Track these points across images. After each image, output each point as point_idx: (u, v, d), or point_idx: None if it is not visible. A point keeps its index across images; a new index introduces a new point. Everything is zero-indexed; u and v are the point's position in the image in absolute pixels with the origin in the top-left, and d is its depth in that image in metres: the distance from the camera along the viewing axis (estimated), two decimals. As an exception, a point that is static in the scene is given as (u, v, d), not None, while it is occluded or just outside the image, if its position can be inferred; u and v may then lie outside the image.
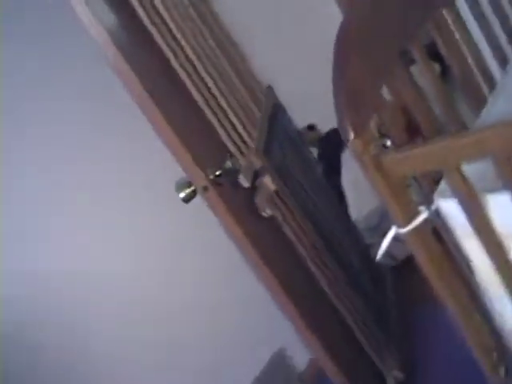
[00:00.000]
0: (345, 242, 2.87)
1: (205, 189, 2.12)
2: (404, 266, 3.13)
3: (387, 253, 3.11)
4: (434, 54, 1.79)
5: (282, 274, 2.28)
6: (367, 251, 3.16)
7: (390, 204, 1.45)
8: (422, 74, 1.67)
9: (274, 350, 3.18)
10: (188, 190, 2.16)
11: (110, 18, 2.04)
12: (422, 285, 1.57)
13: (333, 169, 3.44)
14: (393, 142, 1.45)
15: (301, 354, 3.11)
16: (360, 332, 2.54)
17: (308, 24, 3.28)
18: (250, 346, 3.11)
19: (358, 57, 1.43)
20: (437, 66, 2.25)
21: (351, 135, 1.39)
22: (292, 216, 2.45)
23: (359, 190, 3.24)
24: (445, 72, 2.23)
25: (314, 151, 3.57)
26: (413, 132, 1.76)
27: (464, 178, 1.34)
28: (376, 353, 2.57)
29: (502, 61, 1.89)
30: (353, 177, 3.30)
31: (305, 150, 3.17)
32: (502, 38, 1.95)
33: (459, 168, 1.33)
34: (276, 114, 2.82)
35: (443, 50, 1.71)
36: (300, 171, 2.79)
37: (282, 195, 2.43)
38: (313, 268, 2.46)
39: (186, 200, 2.17)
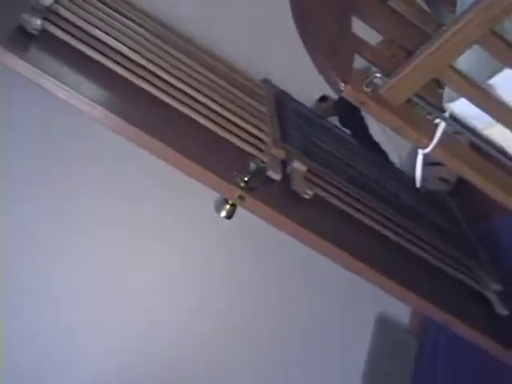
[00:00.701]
0: (397, 189, 2.85)
1: (241, 198, 2.13)
2: (460, 187, 3.12)
3: (439, 179, 3.11)
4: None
5: (353, 246, 2.27)
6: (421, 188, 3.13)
7: (405, 131, 1.45)
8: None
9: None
10: (227, 207, 2.18)
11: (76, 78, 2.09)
12: (484, 198, 1.57)
13: (358, 127, 3.42)
14: (383, 72, 1.43)
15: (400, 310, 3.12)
16: (445, 265, 2.52)
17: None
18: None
19: (316, 4, 1.43)
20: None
21: (341, 85, 1.40)
22: (334, 186, 2.44)
23: (390, 135, 3.22)
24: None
25: (335, 120, 3.57)
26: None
27: (461, 76, 1.34)
28: (468, 276, 2.54)
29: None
30: (376, 127, 3.29)
31: (324, 123, 3.16)
32: None
33: (452, 68, 1.33)
34: (281, 101, 2.83)
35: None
36: (327, 143, 2.78)
37: (316, 171, 2.43)
38: (376, 226, 2.45)
39: (229, 216, 2.19)
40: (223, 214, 2.19)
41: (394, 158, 3.30)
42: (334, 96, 3.53)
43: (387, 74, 1.38)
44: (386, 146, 3.29)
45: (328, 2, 1.48)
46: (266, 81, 2.98)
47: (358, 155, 2.94)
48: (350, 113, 3.44)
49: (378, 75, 1.40)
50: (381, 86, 1.39)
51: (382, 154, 3.31)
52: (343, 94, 1.40)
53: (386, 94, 1.38)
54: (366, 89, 1.41)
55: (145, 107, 2.22)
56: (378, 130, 3.35)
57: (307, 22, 1.44)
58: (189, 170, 2.12)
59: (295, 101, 3.05)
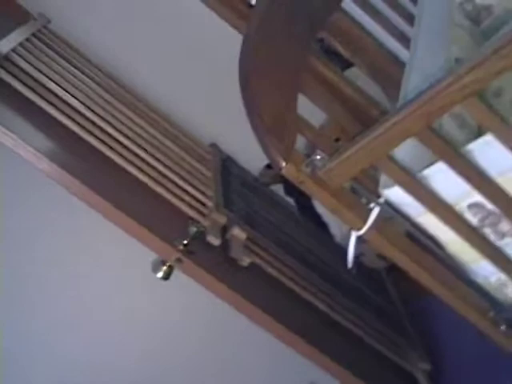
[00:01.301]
0: (334, 263, 2.89)
1: (179, 261, 2.16)
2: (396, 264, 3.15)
3: (377, 256, 3.15)
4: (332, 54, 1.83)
5: (282, 315, 2.29)
6: (358, 263, 3.18)
7: (340, 212, 1.48)
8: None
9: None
10: (164, 268, 2.20)
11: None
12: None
13: (301, 198, 3.46)
14: (325, 153, 1.47)
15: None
16: (375, 341, 2.55)
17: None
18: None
19: (263, 81, 1.47)
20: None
21: (282, 163, 1.43)
22: (271, 255, 2.47)
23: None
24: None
25: (280, 188, 3.61)
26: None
27: (397, 165, 1.38)
28: (397, 355, 2.57)
29: (406, 42, 1.92)
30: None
31: (268, 191, 3.20)
32: (400, 22, 1.99)
33: (389, 157, 1.37)
34: (227, 167, 2.87)
35: (344, 52, 1.75)
36: (269, 212, 2.82)
37: (255, 240, 2.46)
38: (308, 297, 2.47)
39: (165, 277, 2.21)
40: (160, 274, 2.21)
41: (334, 231, 3.34)
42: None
43: (327, 156, 1.42)
44: (327, 218, 3.33)
45: (275, 79, 1.52)
46: (213, 145, 3.02)
47: (299, 226, 2.97)
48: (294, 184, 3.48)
49: (318, 157, 1.43)
50: (319, 168, 1.42)
51: (323, 226, 3.35)
52: (282, 172, 1.44)
53: (324, 176, 1.42)
54: (305, 169, 1.44)
55: (91, 161, 2.24)
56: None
57: (254, 96, 1.48)
58: (126, 227, 2.13)
59: (240, 167, 3.09)
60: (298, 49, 1.63)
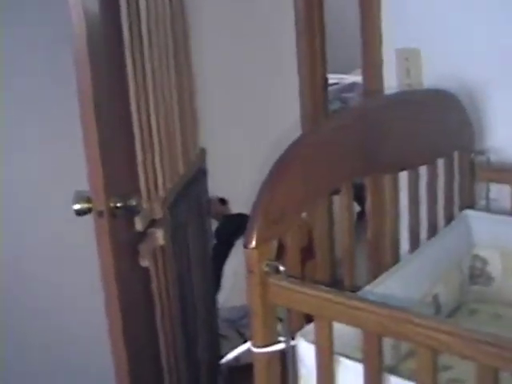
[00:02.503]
0: (201, 323, 2.87)
1: (99, 214, 2.11)
2: (242, 370, 3.15)
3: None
4: (358, 196, 1.85)
5: (129, 317, 2.25)
6: (217, 340, 3.17)
7: (256, 322, 1.48)
8: (341, 207, 1.71)
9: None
10: (85, 206, 2.14)
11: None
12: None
13: (222, 248, 3.46)
14: (286, 268, 1.48)
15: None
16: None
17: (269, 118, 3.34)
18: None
19: (294, 180, 1.47)
20: (356, 206, 2.32)
21: (252, 244, 1.42)
22: (165, 276, 2.45)
23: (235, 282, 3.27)
24: (361, 217, 2.31)
25: (215, 224, 3.60)
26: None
27: (330, 335, 1.38)
28: None
29: (414, 244, 1.96)
30: (235, 266, 3.33)
31: (206, 220, 3.18)
32: (423, 225, 2.02)
33: (331, 325, 1.37)
34: (197, 178, 2.85)
35: (368, 206, 1.76)
36: (193, 238, 2.80)
37: (166, 253, 2.43)
38: (159, 328, 2.45)
39: (79, 213, 2.15)
40: (77, 207, 2.15)
41: (221, 296, 3.34)
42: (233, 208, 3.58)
43: (288, 275, 1.42)
44: (225, 283, 3.33)
45: (305, 184, 1.53)
46: (202, 151, 3.03)
47: (203, 272, 2.95)
48: (228, 232, 3.49)
49: (282, 268, 1.43)
50: (273, 278, 1.43)
51: (216, 284, 3.35)
52: (245, 250, 1.43)
53: (271, 286, 1.42)
54: (264, 265, 1.44)
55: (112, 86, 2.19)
56: (232, 266, 3.40)
57: (281, 178, 1.48)
58: (90, 148, 2.04)
59: (205, 186, 3.06)
60: (342, 173, 1.65)
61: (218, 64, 3.34)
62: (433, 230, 1.98)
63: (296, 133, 2.02)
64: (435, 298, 1.84)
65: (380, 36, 2.21)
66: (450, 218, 2.02)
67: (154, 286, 2.40)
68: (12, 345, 2.95)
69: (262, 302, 1.45)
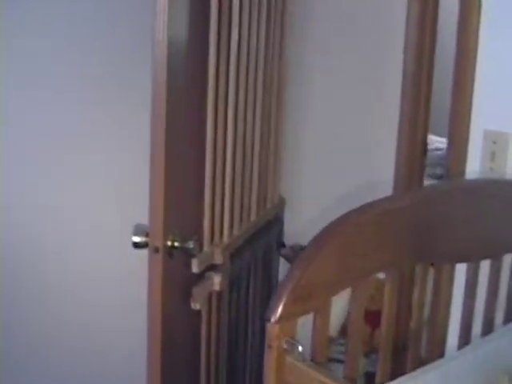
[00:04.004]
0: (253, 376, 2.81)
1: (155, 250, 2.09)
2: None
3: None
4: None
5: (170, 358, 2.22)
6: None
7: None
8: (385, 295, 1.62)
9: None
10: (143, 239, 2.13)
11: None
12: None
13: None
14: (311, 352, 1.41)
15: None
16: None
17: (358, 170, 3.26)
18: None
19: (328, 260, 1.40)
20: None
21: (275, 318, 1.36)
22: (217, 322, 2.40)
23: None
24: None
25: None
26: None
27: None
28: None
29: (463, 340, 1.85)
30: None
31: (274, 269, 3.11)
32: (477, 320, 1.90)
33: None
34: (269, 226, 2.80)
35: (415, 295, 1.67)
36: (255, 287, 2.75)
37: (222, 300, 2.39)
38: (202, 376, 2.41)
39: (137, 246, 2.15)
40: (136, 239, 2.14)
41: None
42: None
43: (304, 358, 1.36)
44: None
45: (343, 264, 1.45)
46: (281, 199, 2.97)
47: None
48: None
49: (300, 348, 1.37)
50: (291, 357, 1.36)
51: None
52: (267, 324, 1.38)
53: (287, 364, 1.36)
54: (283, 341, 1.38)
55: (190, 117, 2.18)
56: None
57: (319, 255, 1.41)
58: (156, 183, 2.04)
59: (280, 232, 3.01)
60: (386, 258, 1.56)
61: (313, 113, 3.28)
62: (488, 328, 1.86)
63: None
64: (475, 406, 1.72)
65: (469, 113, 2.11)
66: (509, 319, 1.90)
67: (203, 331, 2.36)
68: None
69: (276, 378, 1.38)
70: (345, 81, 3.22)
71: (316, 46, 3.19)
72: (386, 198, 1.53)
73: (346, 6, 3.11)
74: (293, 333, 1.38)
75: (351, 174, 3.22)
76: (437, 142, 4.38)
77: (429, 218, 1.59)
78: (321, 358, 1.43)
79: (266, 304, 2.80)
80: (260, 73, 2.55)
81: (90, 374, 3.06)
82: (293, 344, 1.37)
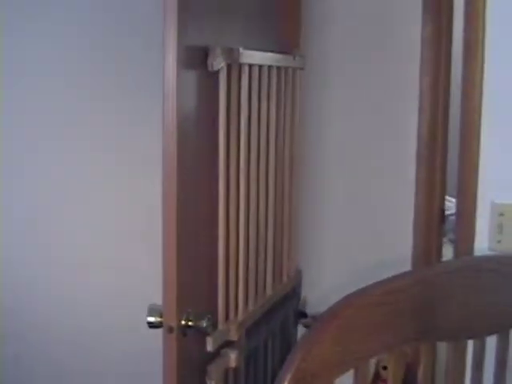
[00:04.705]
0: None
1: (169, 329, 2.11)
2: None
3: None
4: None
5: None
6: None
7: None
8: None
9: None
10: (158, 319, 2.16)
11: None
12: None
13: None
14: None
15: None
16: None
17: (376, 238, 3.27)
18: None
19: (330, 343, 1.42)
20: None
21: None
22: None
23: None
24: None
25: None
26: None
27: None
28: None
29: None
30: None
31: (292, 343, 3.11)
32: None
33: None
34: (286, 300, 2.81)
35: (420, 374, 1.67)
36: (273, 362, 2.75)
37: (238, 376, 2.40)
38: None
39: (151, 326, 2.17)
40: (151, 319, 2.17)
41: None
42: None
43: None
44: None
45: (342, 352, 1.47)
46: (298, 272, 3.00)
47: None
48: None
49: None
50: None
51: None
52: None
53: None
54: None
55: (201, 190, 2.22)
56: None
57: (317, 342, 1.43)
58: (169, 258, 2.07)
59: (296, 304, 3.02)
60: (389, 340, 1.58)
61: (329, 182, 3.30)
62: (500, 405, 1.86)
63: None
64: None
65: (476, 185, 2.14)
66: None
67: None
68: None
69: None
70: (360, 147, 3.25)
71: (332, 110, 3.22)
72: (388, 279, 1.55)
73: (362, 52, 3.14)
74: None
75: (370, 244, 3.22)
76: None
77: (431, 297, 1.60)
78: None
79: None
80: (272, 145, 2.60)
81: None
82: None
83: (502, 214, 2.11)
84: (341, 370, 1.47)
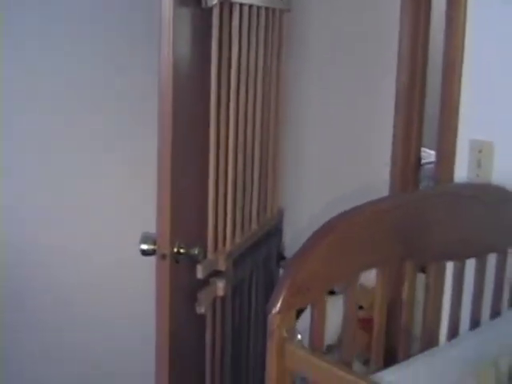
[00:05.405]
0: (255, 378, 2.92)
1: (162, 256, 2.21)
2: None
3: None
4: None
5: (177, 361, 2.32)
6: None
7: (270, 382, 1.54)
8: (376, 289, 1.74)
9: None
10: (151, 247, 2.25)
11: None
12: None
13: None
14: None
15: None
16: None
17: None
18: None
19: (322, 257, 1.53)
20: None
21: (276, 309, 1.49)
22: (221, 326, 2.52)
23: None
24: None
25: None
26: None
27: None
28: None
29: (452, 336, 1.96)
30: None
31: (275, 279, 3.23)
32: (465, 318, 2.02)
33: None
34: (269, 236, 2.92)
35: (404, 293, 1.79)
36: (257, 293, 2.87)
37: (225, 304, 2.51)
38: (207, 378, 2.52)
39: (144, 253, 2.26)
40: (144, 247, 2.26)
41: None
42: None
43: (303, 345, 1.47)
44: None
45: (338, 261, 1.58)
46: (280, 211, 3.13)
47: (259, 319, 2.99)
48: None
49: (299, 336, 1.49)
50: (291, 344, 1.48)
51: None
52: (269, 314, 1.50)
53: (287, 351, 1.48)
54: (282, 329, 1.50)
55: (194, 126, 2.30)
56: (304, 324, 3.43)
57: (313, 249, 1.54)
58: (163, 189, 2.14)
59: (279, 245, 3.13)
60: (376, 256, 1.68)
61: (311, 126, 3.40)
62: (475, 324, 1.98)
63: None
64: (463, 393, 1.83)
65: (456, 124, 2.24)
66: (495, 315, 2.02)
67: (207, 334, 2.48)
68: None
69: (277, 365, 1.50)
70: (341, 94, 3.34)
71: (313, 59, 3.31)
72: (377, 200, 1.66)
73: (342, 22, 3.23)
74: (291, 323, 1.51)
75: (348, 186, 3.31)
76: (431, 156, 4.49)
77: (416, 219, 1.71)
78: (318, 346, 1.56)
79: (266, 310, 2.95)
80: (259, 87, 2.69)
81: (100, 371, 3.17)
82: (292, 332, 1.49)
83: (480, 151, 2.22)
84: (332, 282, 1.59)
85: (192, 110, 2.25)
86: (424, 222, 1.73)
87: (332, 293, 2.60)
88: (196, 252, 2.27)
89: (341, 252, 1.56)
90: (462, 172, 2.26)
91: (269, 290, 3.08)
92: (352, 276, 1.61)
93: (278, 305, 1.49)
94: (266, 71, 2.77)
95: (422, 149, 3.18)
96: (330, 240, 1.54)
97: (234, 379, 2.70)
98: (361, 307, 3.06)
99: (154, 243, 2.23)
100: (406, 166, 3.01)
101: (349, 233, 1.59)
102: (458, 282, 1.90)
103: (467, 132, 2.26)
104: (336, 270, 1.56)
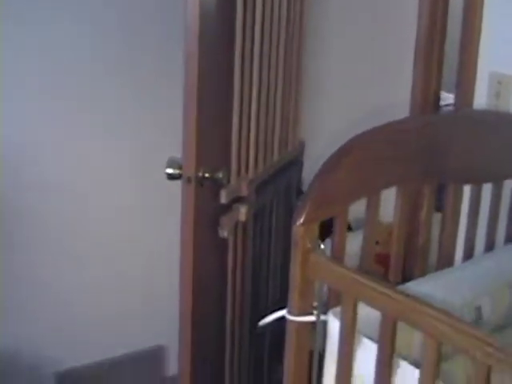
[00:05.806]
0: (273, 302, 3.01)
1: (188, 180, 2.28)
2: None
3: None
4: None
5: (200, 281, 2.41)
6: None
7: (294, 291, 1.62)
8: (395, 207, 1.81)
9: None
10: (177, 171, 2.32)
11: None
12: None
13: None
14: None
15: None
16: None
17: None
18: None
19: (344, 174, 1.60)
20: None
21: (300, 221, 1.57)
22: (242, 250, 2.61)
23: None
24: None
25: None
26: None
27: (354, 313, 1.51)
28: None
29: (467, 257, 2.04)
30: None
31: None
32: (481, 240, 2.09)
33: (355, 303, 1.50)
34: (290, 167, 3.00)
35: (423, 213, 1.86)
36: (277, 222, 2.95)
37: (246, 230, 2.59)
38: (228, 301, 2.61)
39: (170, 177, 2.33)
40: (170, 171, 2.33)
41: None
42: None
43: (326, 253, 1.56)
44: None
45: (362, 175, 1.65)
46: (301, 143, 3.20)
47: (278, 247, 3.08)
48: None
49: (322, 246, 1.57)
50: (315, 254, 1.56)
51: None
52: (293, 226, 1.58)
53: (312, 261, 1.56)
54: (307, 240, 1.58)
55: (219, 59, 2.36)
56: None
57: (340, 164, 1.62)
58: (190, 118, 2.19)
59: (299, 178, 3.20)
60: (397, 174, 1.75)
61: (331, 60, 3.45)
62: (490, 247, 2.06)
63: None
64: (478, 309, 1.90)
65: (476, 57, 2.29)
66: (509, 239, 2.09)
67: (229, 257, 2.56)
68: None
69: (301, 274, 1.59)
70: (360, 32, 3.38)
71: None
72: (399, 120, 1.73)
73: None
74: (315, 234, 1.59)
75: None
76: (449, 99, 4.53)
77: (436, 141, 1.78)
78: (339, 255, 1.64)
79: (286, 237, 3.03)
80: (282, 29, 2.74)
81: (115, 311, 3.28)
82: (316, 243, 1.58)
83: (499, 83, 2.27)
84: (354, 197, 1.66)
85: (218, 43, 2.30)
86: (443, 143, 1.79)
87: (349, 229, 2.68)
88: (220, 176, 2.34)
89: (363, 168, 1.63)
90: (480, 102, 2.32)
91: (288, 218, 3.17)
92: (373, 193, 1.68)
93: (303, 217, 1.56)
94: (290, 12, 2.82)
95: (442, 92, 3.23)
96: (354, 156, 1.61)
97: (254, 300, 2.78)
98: (377, 242, 3.15)
99: (180, 168, 2.30)
100: (425, 107, 3.05)
101: (371, 149, 1.66)
102: (475, 204, 1.97)
103: (487, 64, 2.31)
104: (358, 184, 1.64)
